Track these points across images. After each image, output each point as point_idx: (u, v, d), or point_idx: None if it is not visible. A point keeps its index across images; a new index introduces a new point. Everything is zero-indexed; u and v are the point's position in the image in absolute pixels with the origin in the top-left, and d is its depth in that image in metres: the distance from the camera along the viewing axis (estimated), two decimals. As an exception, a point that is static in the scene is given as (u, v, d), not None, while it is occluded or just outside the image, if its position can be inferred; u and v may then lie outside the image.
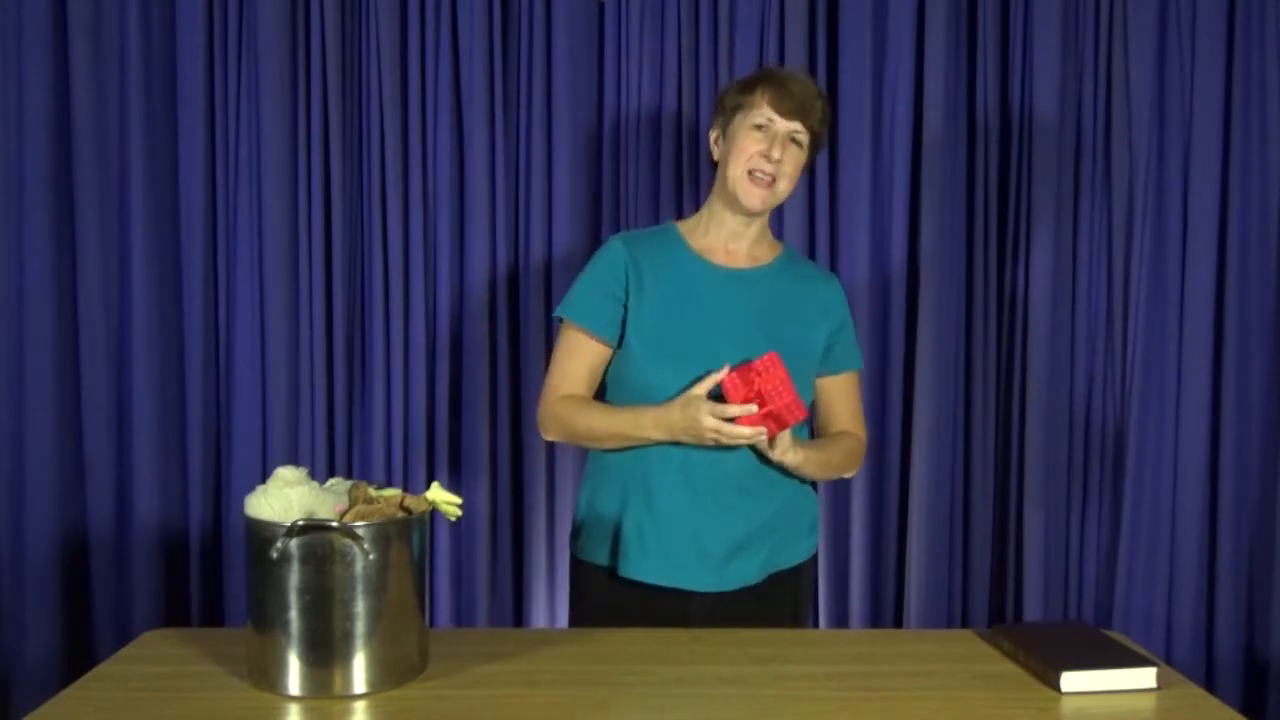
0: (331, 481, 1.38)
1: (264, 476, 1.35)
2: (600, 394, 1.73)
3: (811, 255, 2.33)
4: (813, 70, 2.30)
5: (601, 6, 2.30)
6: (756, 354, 1.54)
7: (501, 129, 2.29)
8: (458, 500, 1.37)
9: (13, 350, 2.24)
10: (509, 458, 2.33)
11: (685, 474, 1.60)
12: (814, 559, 1.77)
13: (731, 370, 1.51)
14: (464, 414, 2.31)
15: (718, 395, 1.53)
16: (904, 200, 2.32)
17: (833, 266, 2.33)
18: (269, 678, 1.27)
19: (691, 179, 2.30)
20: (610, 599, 1.67)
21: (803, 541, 1.72)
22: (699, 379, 1.53)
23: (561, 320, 1.69)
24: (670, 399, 1.57)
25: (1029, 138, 2.32)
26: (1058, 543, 2.36)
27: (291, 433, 2.29)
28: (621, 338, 1.66)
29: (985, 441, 2.35)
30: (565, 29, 2.26)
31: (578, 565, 1.74)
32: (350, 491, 1.33)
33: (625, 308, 1.65)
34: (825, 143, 1.73)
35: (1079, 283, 2.36)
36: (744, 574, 1.64)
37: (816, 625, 2.34)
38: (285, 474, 1.32)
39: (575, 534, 1.76)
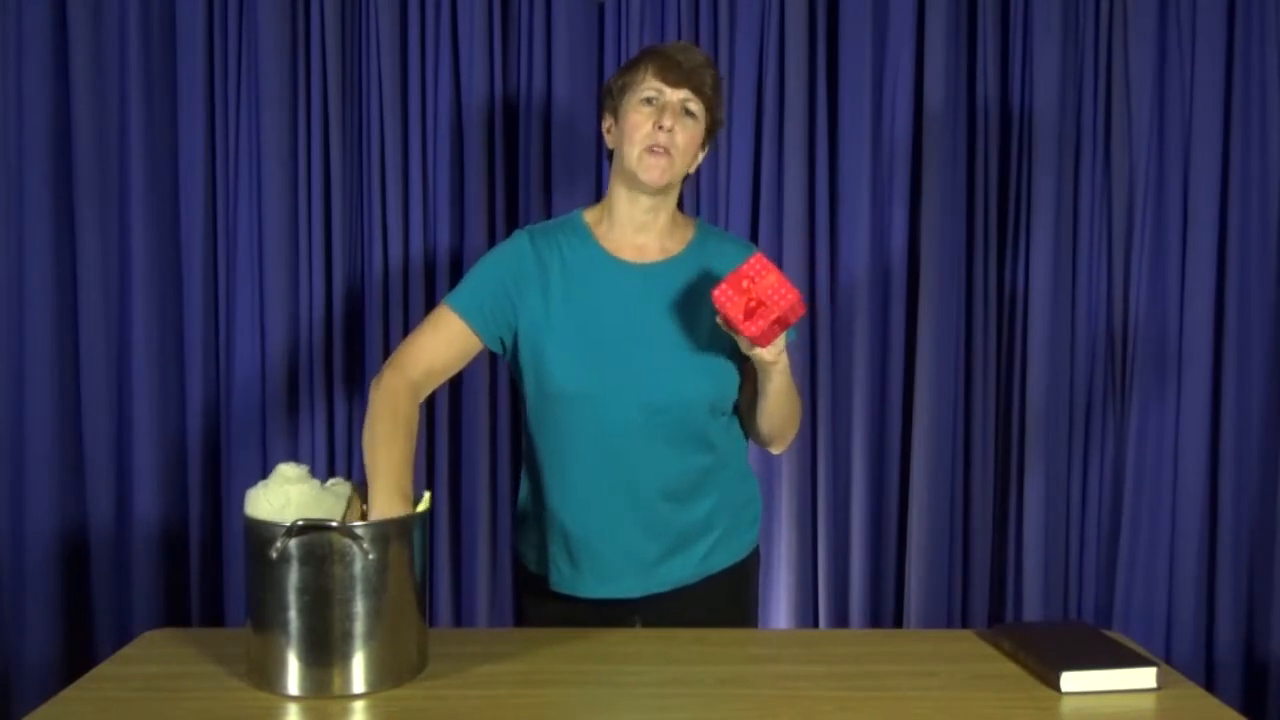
0: (332, 481, 1.38)
1: (264, 476, 1.35)
2: (510, 406, 1.70)
3: (811, 253, 2.32)
4: (813, 69, 2.30)
5: (601, 6, 2.30)
6: (680, 351, 1.54)
7: (501, 129, 2.29)
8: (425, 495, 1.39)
9: (13, 350, 2.24)
10: (509, 457, 2.32)
11: (612, 482, 1.56)
12: (755, 553, 1.72)
13: (718, 285, 1.43)
14: (464, 414, 2.31)
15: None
16: (904, 199, 2.32)
17: (832, 265, 2.32)
18: (268, 678, 1.27)
19: (691, 177, 2.29)
20: (550, 603, 1.64)
21: (744, 535, 1.68)
22: None
23: (443, 305, 1.59)
24: (595, 409, 1.53)
25: (1029, 137, 2.31)
26: (1057, 542, 2.36)
27: (291, 433, 2.29)
28: (515, 342, 1.58)
29: (985, 441, 2.35)
30: (565, 29, 2.26)
31: (519, 565, 1.72)
32: (347, 511, 1.34)
33: (515, 308, 1.57)
34: (723, 121, 1.64)
35: (1079, 281, 2.36)
36: (679, 574, 1.60)
37: (816, 624, 2.34)
38: (286, 471, 1.32)
39: (515, 532, 1.72)
